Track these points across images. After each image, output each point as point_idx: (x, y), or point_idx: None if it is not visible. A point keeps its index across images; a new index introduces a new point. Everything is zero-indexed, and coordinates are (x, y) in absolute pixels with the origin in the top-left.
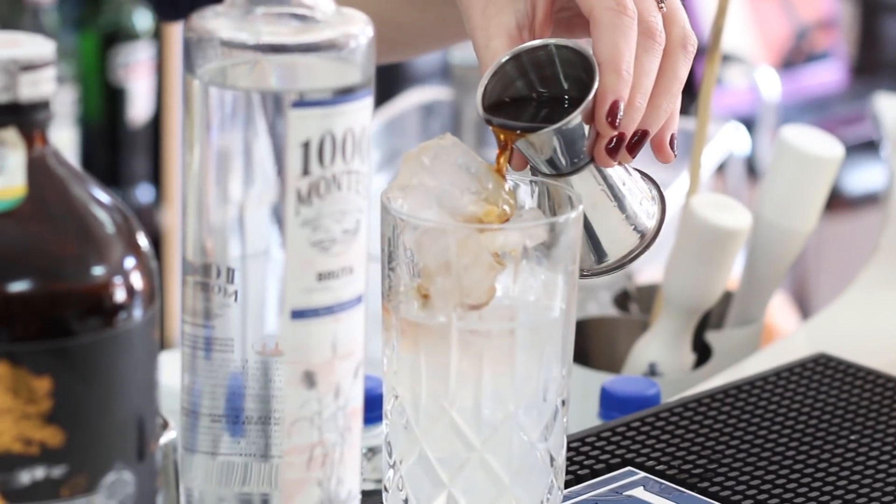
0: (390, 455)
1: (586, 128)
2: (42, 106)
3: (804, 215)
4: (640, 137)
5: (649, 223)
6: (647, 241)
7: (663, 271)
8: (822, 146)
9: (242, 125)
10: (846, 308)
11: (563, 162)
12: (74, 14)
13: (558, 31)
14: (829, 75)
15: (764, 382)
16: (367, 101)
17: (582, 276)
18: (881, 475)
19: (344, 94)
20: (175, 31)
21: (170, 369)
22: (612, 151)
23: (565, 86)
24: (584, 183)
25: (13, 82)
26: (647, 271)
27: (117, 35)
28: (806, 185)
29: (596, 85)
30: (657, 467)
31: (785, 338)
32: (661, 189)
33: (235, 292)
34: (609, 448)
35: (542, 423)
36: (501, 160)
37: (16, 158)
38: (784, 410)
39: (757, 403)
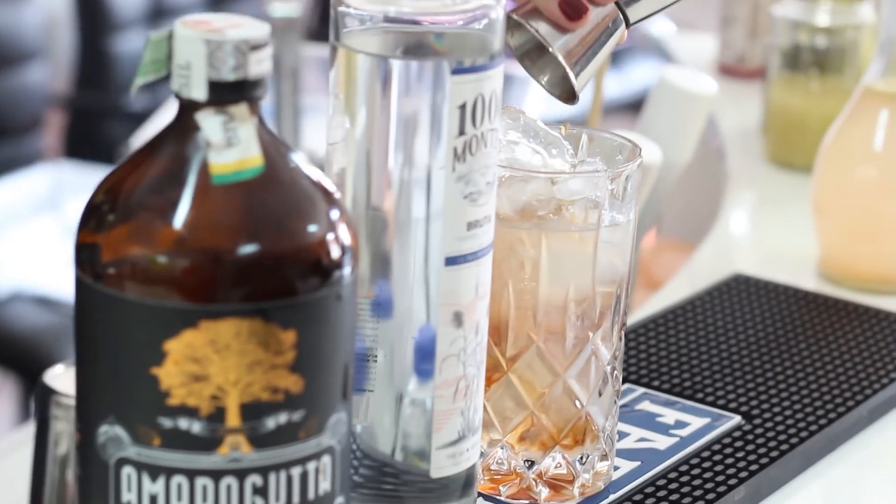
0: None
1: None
2: (264, 82)
3: (682, 148)
4: None
5: None
6: None
7: None
8: (698, 84)
9: (404, 93)
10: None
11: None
12: None
13: None
14: None
15: (693, 306)
16: (502, 66)
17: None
18: (811, 379)
19: (491, 59)
20: None
21: None
22: None
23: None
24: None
25: (244, 61)
26: None
27: None
28: (684, 120)
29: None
30: (653, 382)
31: (694, 258)
32: None
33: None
34: None
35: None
36: None
37: (247, 131)
38: (711, 329)
39: (688, 325)
